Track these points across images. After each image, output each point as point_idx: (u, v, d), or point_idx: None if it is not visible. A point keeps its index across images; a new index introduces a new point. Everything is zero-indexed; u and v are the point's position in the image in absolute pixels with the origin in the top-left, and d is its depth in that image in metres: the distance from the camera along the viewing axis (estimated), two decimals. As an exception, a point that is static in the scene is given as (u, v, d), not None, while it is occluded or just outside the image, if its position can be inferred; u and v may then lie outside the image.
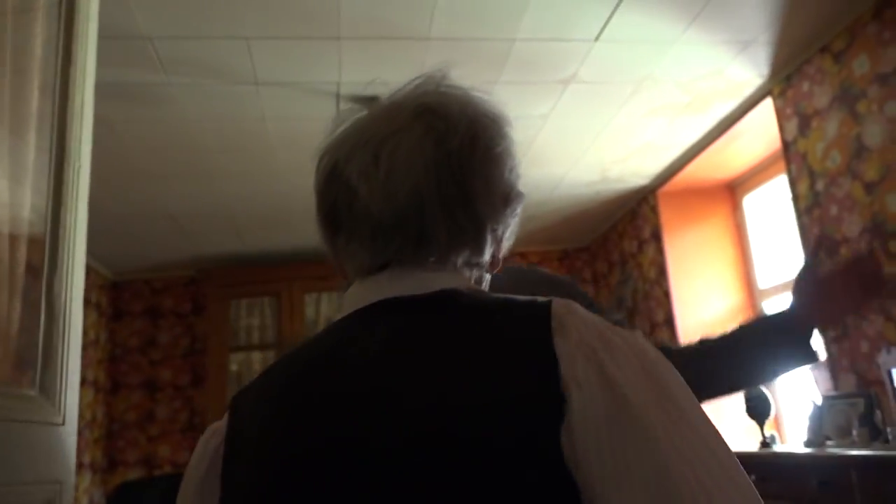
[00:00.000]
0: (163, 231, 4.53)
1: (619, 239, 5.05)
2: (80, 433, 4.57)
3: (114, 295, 5.36)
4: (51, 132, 1.04)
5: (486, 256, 0.71)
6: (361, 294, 0.67)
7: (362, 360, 0.61)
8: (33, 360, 0.94)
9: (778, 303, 3.94)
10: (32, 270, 0.98)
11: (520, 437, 0.53)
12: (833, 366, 2.82)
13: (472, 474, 0.53)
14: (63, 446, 0.95)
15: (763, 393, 2.47)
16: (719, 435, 0.57)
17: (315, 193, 0.73)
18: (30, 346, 0.95)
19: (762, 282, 4.07)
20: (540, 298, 0.62)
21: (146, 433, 5.16)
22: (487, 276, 0.74)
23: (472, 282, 0.70)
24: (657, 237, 4.38)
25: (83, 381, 4.68)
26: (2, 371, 0.91)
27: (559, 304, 0.61)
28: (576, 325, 0.58)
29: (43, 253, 0.98)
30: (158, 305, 5.40)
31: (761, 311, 4.06)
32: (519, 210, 0.73)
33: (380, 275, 0.67)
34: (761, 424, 2.43)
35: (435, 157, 0.66)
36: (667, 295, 4.26)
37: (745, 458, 2.48)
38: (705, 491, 0.50)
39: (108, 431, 5.11)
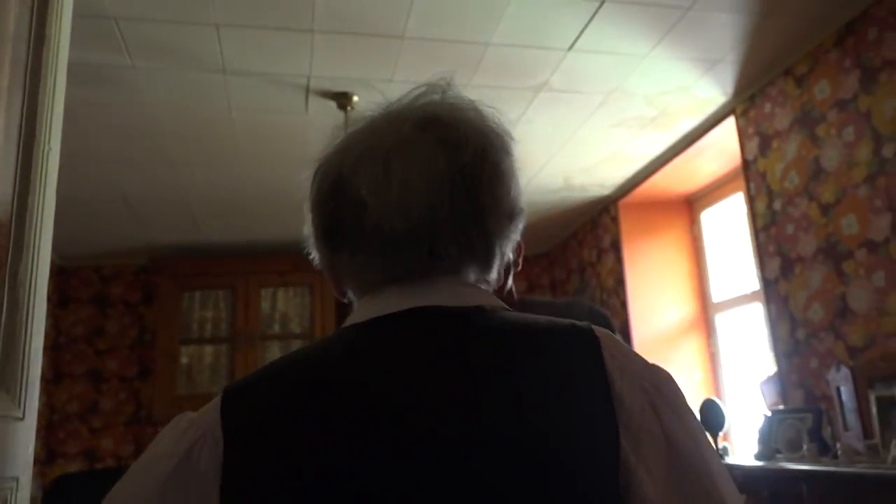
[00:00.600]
0: (115, 216, 4.39)
1: (578, 247, 5.11)
2: (18, 423, 4.38)
3: (60, 281, 5.17)
4: (20, 113, 0.99)
5: (494, 273, 0.71)
6: (385, 302, 0.64)
7: (418, 367, 0.59)
8: (-7, 351, 0.89)
9: (730, 317, 4.04)
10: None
11: (581, 453, 0.56)
12: (783, 381, 2.90)
13: (533, 487, 0.55)
14: (21, 442, 0.91)
15: (717, 405, 2.53)
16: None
17: (313, 206, 0.70)
18: (-11, 336, 0.90)
19: (716, 295, 4.17)
20: (577, 323, 0.64)
21: (88, 425, 5.00)
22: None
23: None
24: (616, 247, 4.44)
25: (24, 369, 4.51)
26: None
27: (603, 333, 0.63)
28: (622, 356, 0.62)
29: (7, 240, 0.94)
30: (107, 293, 5.24)
31: (713, 324, 4.16)
32: (521, 226, 0.73)
33: (392, 287, 0.65)
34: (714, 436, 2.48)
35: (448, 172, 0.64)
36: (623, 305, 4.33)
37: (698, 469, 2.53)
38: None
39: (48, 422, 4.93)
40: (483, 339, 0.61)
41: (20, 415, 0.91)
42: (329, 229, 0.67)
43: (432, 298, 0.64)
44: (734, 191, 3.89)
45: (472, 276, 0.68)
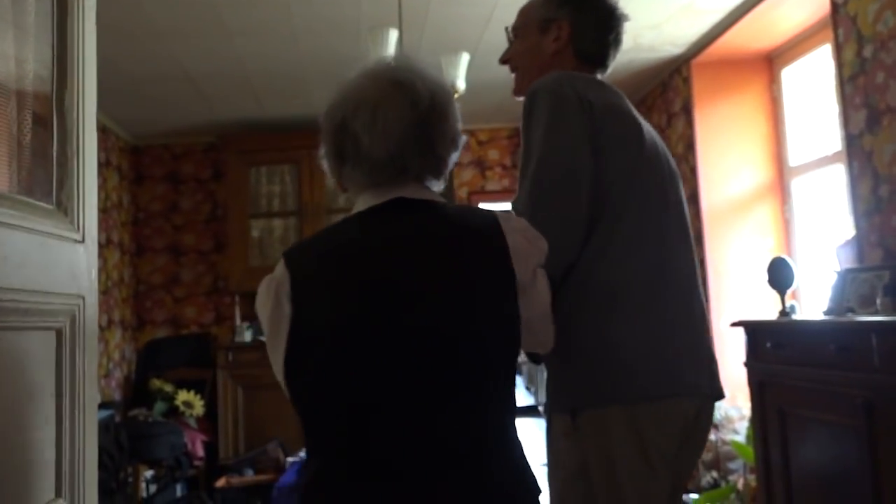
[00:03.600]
0: (181, 94, 4.44)
1: (647, 113, 4.88)
2: (108, 293, 4.66)
3: (134, 159, 5.35)
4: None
5: (444, 179, 1.12)
6: (374, 198, 1.06)
7: (396, 241, 1.03)
8: (48, 176, 0.92)
9: (807, 181, 3.85)
10: (42, 93, 0.94)
11: (496, 279, 1.01)
12: (861, 241, 2.77)
13: (480, 308, 1.00)
14: (83, 263, 0.95)
15: (786, 262, 2.44)
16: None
17: (326, 136, 1.08)
18: (44, 163, 0.93)
19: (793, 159, 3.95)
20: (484, 209, 1.11)
21: (172, 295, 5.31)
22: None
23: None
24: (688, 110, 4.22)
25: (109, 243, 4.77)
26: (18, 184, 0.89)
27: (501, 213, 1.08)
28: (508, 219, 1.07)
29: (51, 69, 0.94)
30: (179, 171, 5.40)
31: (789, 190, 3.98)
32: (461, 147, 1.13)
33: (379, 188, 1.06)
34: (782, 294, 2.41)
35: (412, 118, 1.02)
36: (693, 171, 4.16)
37: (764, 326, 2.48)
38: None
39: (135, 292, 5.26)
40: (429, 223, 1.04)
41: (80, 237, 0.94)
42: (337, 152, 1.06)
43: (402, 194, 1.05)
44: (818, 44, 3.59)
45: (428, 181, 1.09)
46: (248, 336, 4.75)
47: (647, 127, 1.37)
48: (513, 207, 1.28)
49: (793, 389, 2.23)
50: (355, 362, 0.95)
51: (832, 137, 3.49)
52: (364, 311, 0.96)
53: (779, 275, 2.42)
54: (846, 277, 2.44)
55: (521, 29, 1.44)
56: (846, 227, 3.19)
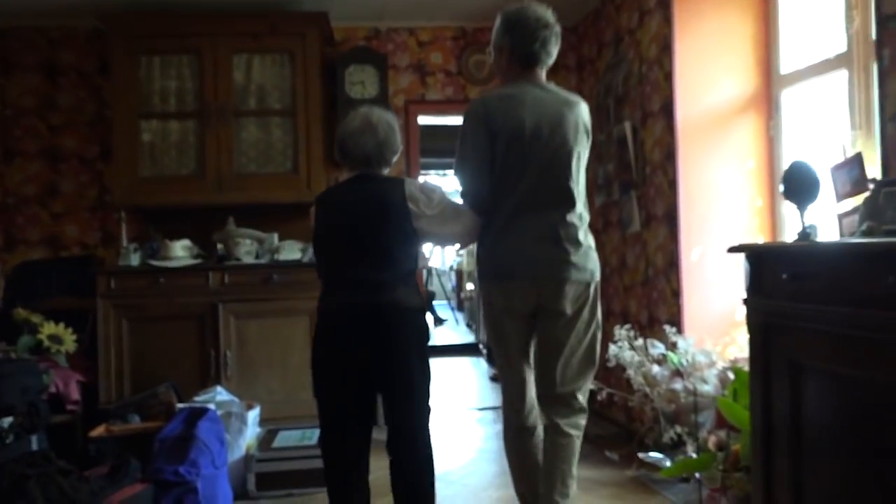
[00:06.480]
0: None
1: (615, 13, 4.20)
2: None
3: (0, 44, 4.40)
4: None
5: (389, 168, 2.50)
6: (352, 174, 2.47)
7: (357, 194, 2.41)
8: None
9: (798, 93, 3.28)
10: None
11: (398, 211, 2.36)
12: (886, 148, 2.21)
13: (390, 225, 2.36)
14: None
15: (808, 169, 1.83)
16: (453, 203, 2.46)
17: (337, 146, 2.47)
18: None
19: (784, 66, 3.37)
20: (397, 177, 2.58)
21: (49, 210, 4.47)
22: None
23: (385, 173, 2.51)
24: (665, 5, 3.56)
25: (-40, 142, 3.89)
26: None
27: (406, 179, 2.49)
28: (410, 182, 2.45)
29: None
30: (56, 60, 4.48)
31: (777, 102, 3.40)
32: (399, 152, 2.50)
33: (357, 169, 2.46)
34: (802, 210, 1.82)
35: (374, 141, 2.39)
36: (668, 77, 3.53)
37: (778, 252, 1.89)
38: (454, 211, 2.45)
39: (2, 205, 4.40)
40: (376, 184, 2.42)
41: None
42: (341, 155, 2.47)
43: (365, 172, 2.45)
44: (830, -79, 2.95)
45: (379, 168, 2.46)
46: (135, 259, 3.98)
47: (536, 116, 2.30)
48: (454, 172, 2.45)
49: (814, 335, 1.66)
50: (333, 242, 2.38)
51: (834, 38, 2.91)
52: (337, 221, 2.38)
53: (800, 183, 1.82)
54: (879, 194, 1.86)
55: (492, 52, 2.45)
56: (844, 145, 2.65)
